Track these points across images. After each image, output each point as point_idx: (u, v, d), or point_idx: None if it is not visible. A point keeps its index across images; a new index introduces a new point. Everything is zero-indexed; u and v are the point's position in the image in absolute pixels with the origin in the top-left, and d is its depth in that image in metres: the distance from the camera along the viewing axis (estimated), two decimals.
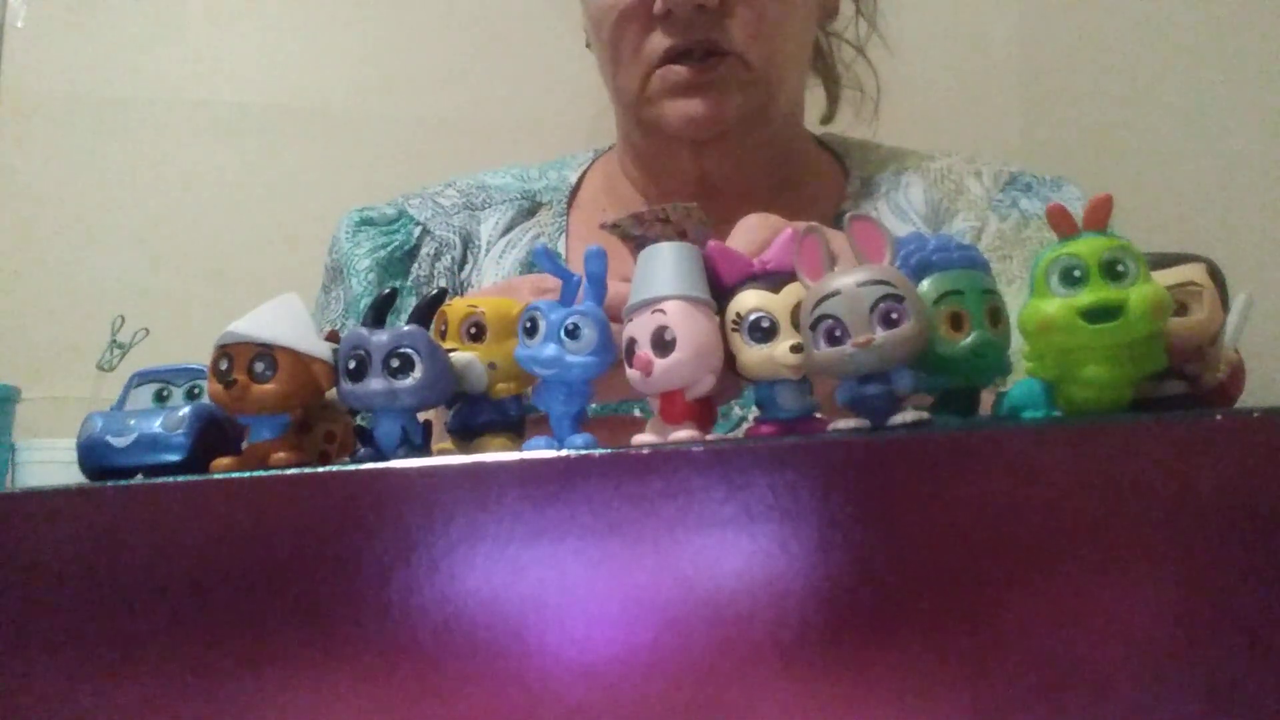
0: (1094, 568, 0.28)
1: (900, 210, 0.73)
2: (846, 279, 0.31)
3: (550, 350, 0.35)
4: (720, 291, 0.35)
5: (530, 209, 0.78)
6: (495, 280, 0.74)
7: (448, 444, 0.38)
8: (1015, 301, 0.32)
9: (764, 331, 0.33)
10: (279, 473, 0.33)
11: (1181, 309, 0.32)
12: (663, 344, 0.33)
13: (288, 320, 0.36)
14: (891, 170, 0.76)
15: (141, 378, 0.39)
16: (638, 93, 0.68)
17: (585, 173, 0.80)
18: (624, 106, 0.72)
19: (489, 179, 0.80)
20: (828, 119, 0.84)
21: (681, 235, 0.46)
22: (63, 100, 1.20)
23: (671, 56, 0.65)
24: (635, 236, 0.46)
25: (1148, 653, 0.28)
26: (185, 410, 0.36)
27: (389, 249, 0.75)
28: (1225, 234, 0.89)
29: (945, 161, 0.76)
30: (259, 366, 0.35)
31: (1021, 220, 0.72)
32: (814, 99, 0.82)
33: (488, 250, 0.76)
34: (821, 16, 0.76)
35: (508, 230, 0.77)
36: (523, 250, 0.75)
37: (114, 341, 1.13)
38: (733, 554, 0.29)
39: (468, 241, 0.76)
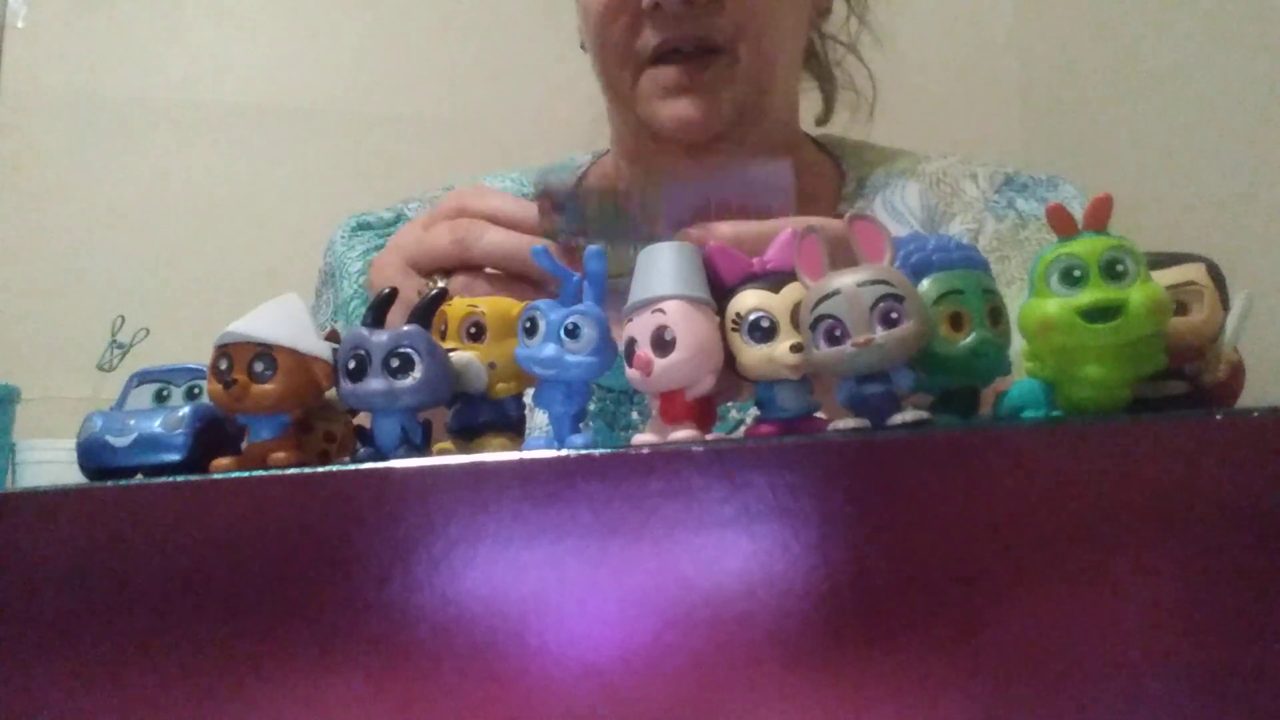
0: (1094, 568, 0.28)
1: (896, 212, 0.73)
2: (846, 278, 0.31)
3: (550, 350, 0.35)
4: (720, 291, 0.35)
5: None
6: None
7: (448, 444, 0.38)
8: (1014, 303, 0.32)
9: (764, 331, 0.33)
10: (279, 473, 0.33)
11: (1181, 309, 0.32)
12: (662, 344, 0.33)
13: (288, 320, 0.36)
14: (887, 171, 0.76)
15: (141, 378, 0.39)
16: (629, 91, 0.67)
17: (584, 175, 0.80)
18: (615, 104, 0.72)
19: (488, 182, 0.80)
20: (823, 120, 0.83)
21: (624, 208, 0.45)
22: (63, 100, 1.20)
23: (661, 54, 0.65)
24: (565, 199, 0.44)
25: (1147, 653, 0.28)
26: (185, 410, 0.36)
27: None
28: (1225, 234, 0.89)
29: (941, 163, 0.76)
30: (259, 366, 0.35)
31: (1019, 221, 0.72)
32: (811, 101, 0.82)
33: None
34: (814, 16, 0.76)
35: None
36: None
37: (114, 341, 1.13)
38: (733, 554, 0.29)
39: None
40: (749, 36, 0.65)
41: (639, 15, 0.65)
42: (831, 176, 0.77)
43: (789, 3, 0.69)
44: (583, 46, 0.74)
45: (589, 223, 0.44)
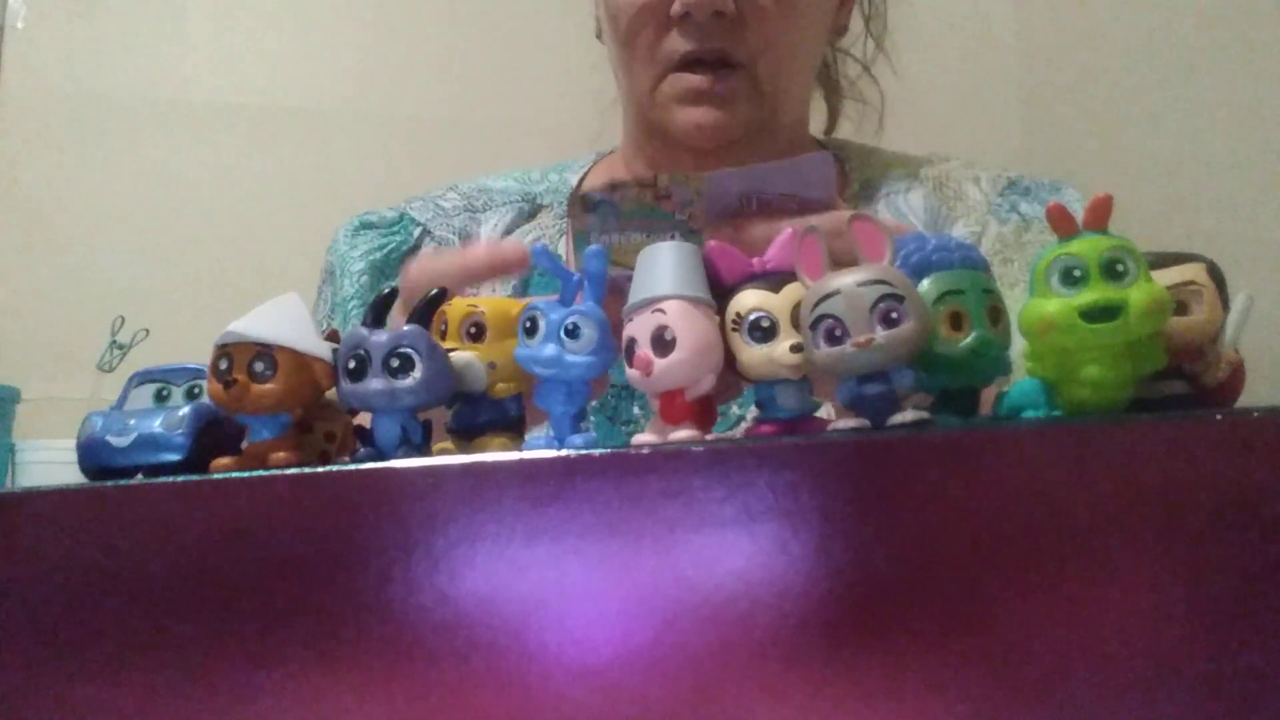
0: (1094, 568, 0.28)
1: (899, 215, 0.73)
2: (846, 278, 0.31)
3: (550, 350, 0.35)
4: (720, 291, 0.35)
5: (531, 211, 0.78)
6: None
7: (448, 444, 0.38)
8: (1016, 306, 0.32)
9: (764, 331, 0.33)
10: (279, 473, 0.33)
11: (1181, 309, 0.32)
12: (662, 344, 0.33)
13: (288, 320, 0.36)
14: (891, 175, 0.76)
15: (141, 378, 0.39)
16: (649, 94, 0.68)
17: (586, 175, 0.80)
18: (633, 105, 0.73)
19: (491, 182, 0.80)
20: (829, 131, 0.84)
21: (663, 199, 0.45)
22: (63, 100, 1.20)
23: (686, 63, 0.66)
24: (598, 201, 0.44)
25: (1147, 652, 0.28)
26: (185, 410, 0.36)
27: (385, 250, 0.75)
28: (1225, 234, 0.89)
29: (944, 167, 0.76)
30: (259, 366, 0.35)
31: (1021, 224, 0.72)
32: (816, 107, 0.82)
33: None
34: (832, 35, 0.77)
35: (508, 232, 0.77)
36: None
37: (114, 341, 1.14)
38: (733, 554, 0.29)
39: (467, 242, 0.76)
40: (768, 55, 0.67)
41: (667, 21, 0.66)
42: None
43: (810, 24, 0.70)
44: (598, 36, 0.74)
45: (624, 218, 0.43)
